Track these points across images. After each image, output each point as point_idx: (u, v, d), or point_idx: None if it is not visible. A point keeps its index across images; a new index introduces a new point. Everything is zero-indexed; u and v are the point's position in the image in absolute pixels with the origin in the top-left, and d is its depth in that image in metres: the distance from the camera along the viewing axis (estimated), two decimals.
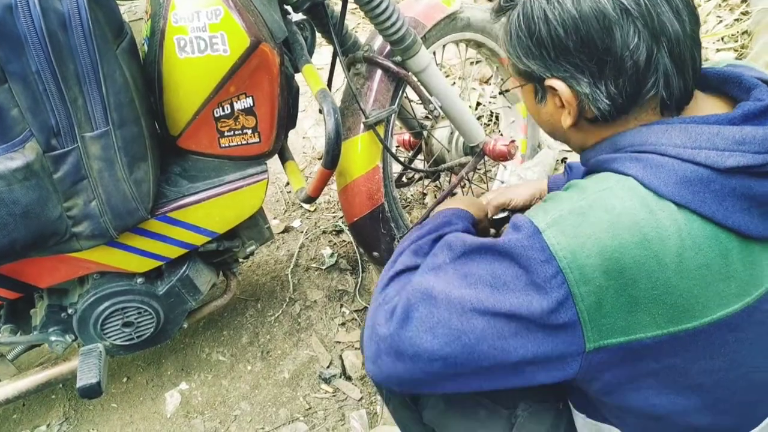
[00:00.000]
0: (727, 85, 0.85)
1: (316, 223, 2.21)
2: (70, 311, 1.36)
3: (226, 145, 1.25)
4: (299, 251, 2.10)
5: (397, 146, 2.05)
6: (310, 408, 1.67)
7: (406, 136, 1.91)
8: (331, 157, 1.18)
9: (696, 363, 0.78)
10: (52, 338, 1.39)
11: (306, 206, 2.28)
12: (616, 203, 0.75)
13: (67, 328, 1.40)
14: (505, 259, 0.79)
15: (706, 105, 0.84)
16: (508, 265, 0.78)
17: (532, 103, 0.93)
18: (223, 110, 1.20)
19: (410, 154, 1.94)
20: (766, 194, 0.74)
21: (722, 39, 2.58)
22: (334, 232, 2.17)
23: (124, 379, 1.77)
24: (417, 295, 0.84)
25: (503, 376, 0.82)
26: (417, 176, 1.97)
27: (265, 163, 1.33)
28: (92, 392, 1.28)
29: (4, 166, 0.99)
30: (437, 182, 2.22)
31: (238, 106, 1.20)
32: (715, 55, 2.52)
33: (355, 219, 1.54)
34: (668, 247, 0.72)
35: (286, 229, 2.19)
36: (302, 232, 2.18)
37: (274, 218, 2.24)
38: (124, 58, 1.07)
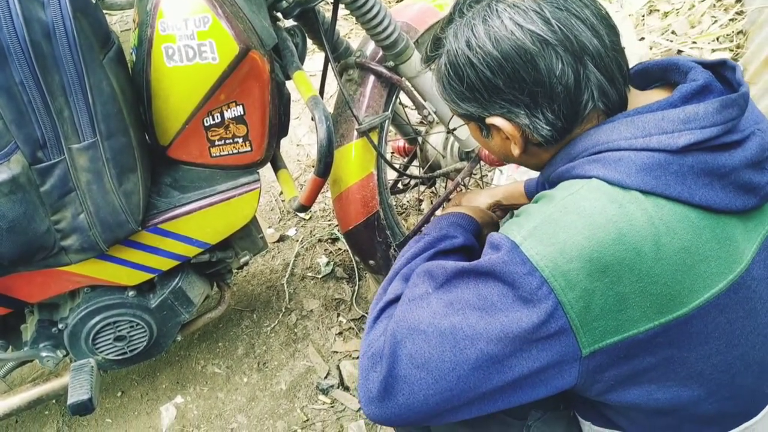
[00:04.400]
0: (668, 73, 0.88)
1: (311, 231, 2.19)
2: (60, 326, 1.34)
3: (217, 154, 1.23)
4: (295, 260, 2.08)
5: (392, 153, 2.03)
6: (307, 420, 1.65)
7: (401, 142, 1.89)
8: (324, 165, 1.16)
9: (693, 351, 0.78)
10: (43, 354, 1.37)
11: (301, 215, 2.26)
12: (585, 205, 0.76)
13: (58, 344, 1.37)
14: (489, 278, 0.79)
15: (649, 97, 0.86)
16: (493, 284, 0.78)
17: (480, 138, 0.95)
18: (213, 119, 1.18)
19: (405, 160, 1.92)
20: (722, 166, 0.76)
21: (717, 39, 2.57)
22: (329, 240, 2.15)
23: (119, 394, 1.74)
24: (402, 331, 0.83)
25: (503, 397, 0.81)
26: (413, 182, 1.95)
27: (257, 172, 1.31)
28: (84, 409, 1.26)
29: None
30: (433, 188, 2.20)
31: (228, 114, 1.18)
32: (710, 56, 2.51)
33: (350, 227, 1.52)
34: (644, 237, 0.73)
35: (281, 238, 2.17)
36: (297, 240, 2.15)
37: (269, 227, 2.22)
38: (111, 67, 1.05)
